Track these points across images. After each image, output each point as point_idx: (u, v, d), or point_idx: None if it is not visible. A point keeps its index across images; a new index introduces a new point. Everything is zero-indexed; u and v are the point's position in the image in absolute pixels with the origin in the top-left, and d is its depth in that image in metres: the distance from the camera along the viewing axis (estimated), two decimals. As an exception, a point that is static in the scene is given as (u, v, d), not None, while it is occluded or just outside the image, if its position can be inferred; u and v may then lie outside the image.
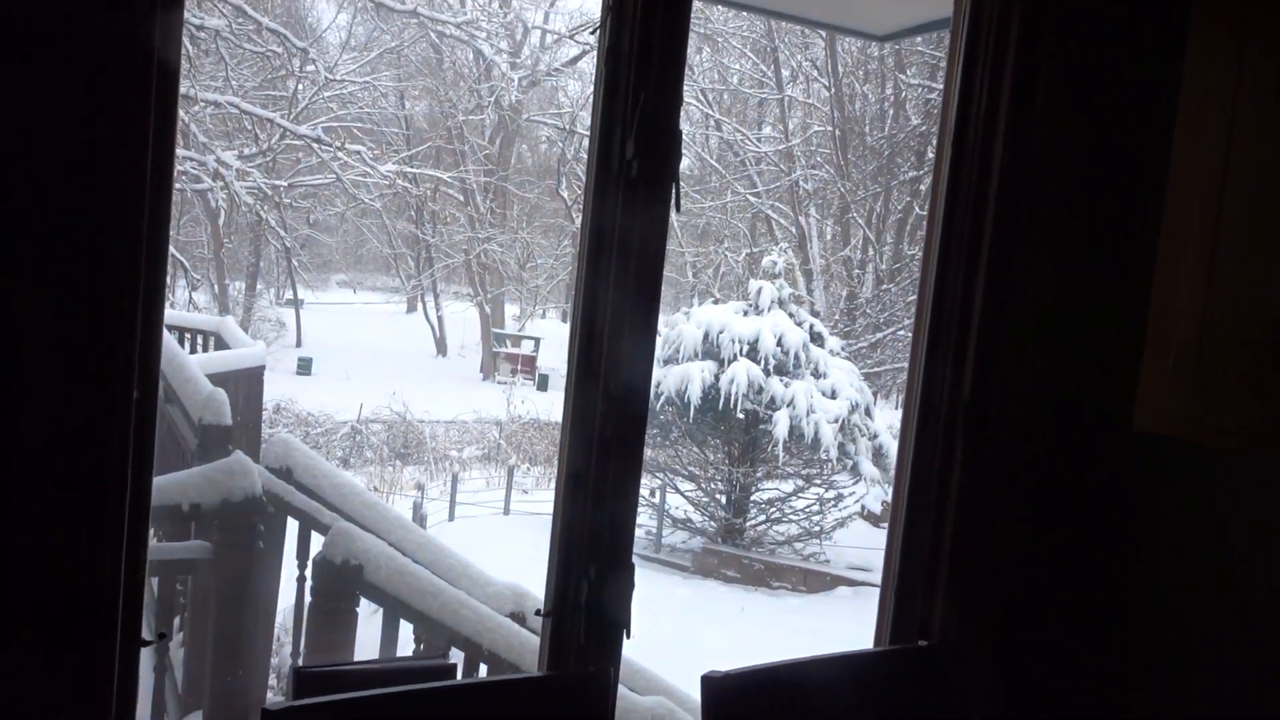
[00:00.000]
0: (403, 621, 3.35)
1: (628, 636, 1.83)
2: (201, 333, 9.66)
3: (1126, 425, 2.04)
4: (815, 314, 12.90)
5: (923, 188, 18.20)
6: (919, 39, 16.04)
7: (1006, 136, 2.09)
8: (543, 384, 21.87)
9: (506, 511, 12.38)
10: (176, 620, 3.95)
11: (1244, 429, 1.87)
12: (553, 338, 25.09)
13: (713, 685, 1.65)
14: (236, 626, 3.44)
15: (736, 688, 1.67)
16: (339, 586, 3.25)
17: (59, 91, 1.35)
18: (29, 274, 1.36)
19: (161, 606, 3.52)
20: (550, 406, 16.50)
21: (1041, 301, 2.16)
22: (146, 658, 3.23)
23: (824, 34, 17.92)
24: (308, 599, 3.47)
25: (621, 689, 3.19)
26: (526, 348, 24.04)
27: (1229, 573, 2.14)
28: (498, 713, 1.59)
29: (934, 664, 1.98)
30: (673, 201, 1.80)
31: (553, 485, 14.51)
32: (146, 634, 1.60)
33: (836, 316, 18.41)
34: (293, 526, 3.96)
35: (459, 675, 2.20)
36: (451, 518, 11.94)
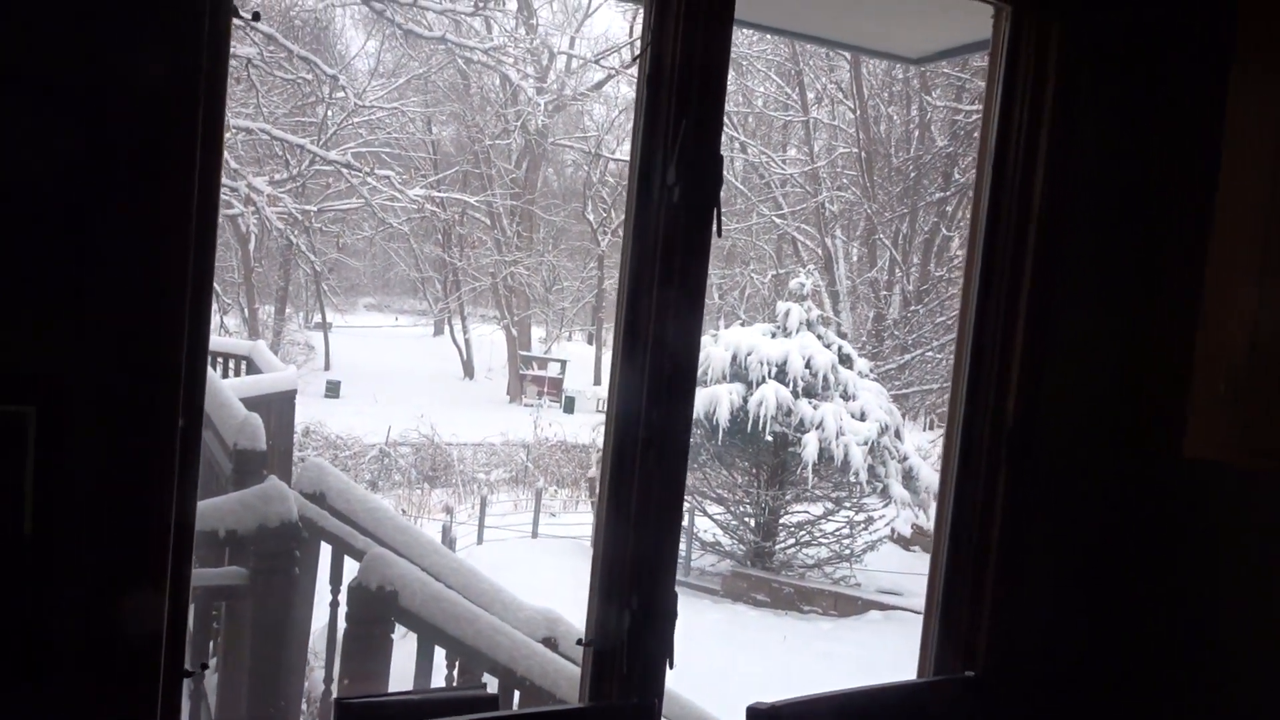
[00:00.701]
0: (436, 647, 3.34)
1: (671, 667, 1.81)
2: (234, 357, 9.75)
3: (1176, 452, 2.00)
4: (842, 335, 12.83)
5: (949, 209, 18.13)
6: (944, 61, 15.99)
7: (1048, 160, 2.07)
8: (569, 406, 21.88)
9: (535, 534, 12.36)
10: (210, 645, 3.95)
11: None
12: (579, 360, 25.16)
13: (759, 718, 1.63)
14: (272, 653, 3.43)
15: (782, 719, 1.65)
16: (374, 612, 3.24)
17: (108, 130, 1.36)
18: (77, 303, 1.37)
19: (198, 632, 3.53)
20: (577, 429, 16.50)
21: (1087, 327, 2.14)
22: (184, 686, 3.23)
23: (848, 57, 17.96)
24: (342, 625, 3.47)
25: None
26: (553, 370, 24.10)
27: (1285, 602, 2.09)
28: (542, 745, 1.57)
29: (981, 694, 1.94)
30: (714, 226, 1.79)
31: (580, 508, 14.48)
32: (187, 664, 1.59)
33: (864, 338, 18.32)
34: (325, 551, 3.97)
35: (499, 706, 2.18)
36: (480, 541, 11.93)
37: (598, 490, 1.89)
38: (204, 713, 3.56)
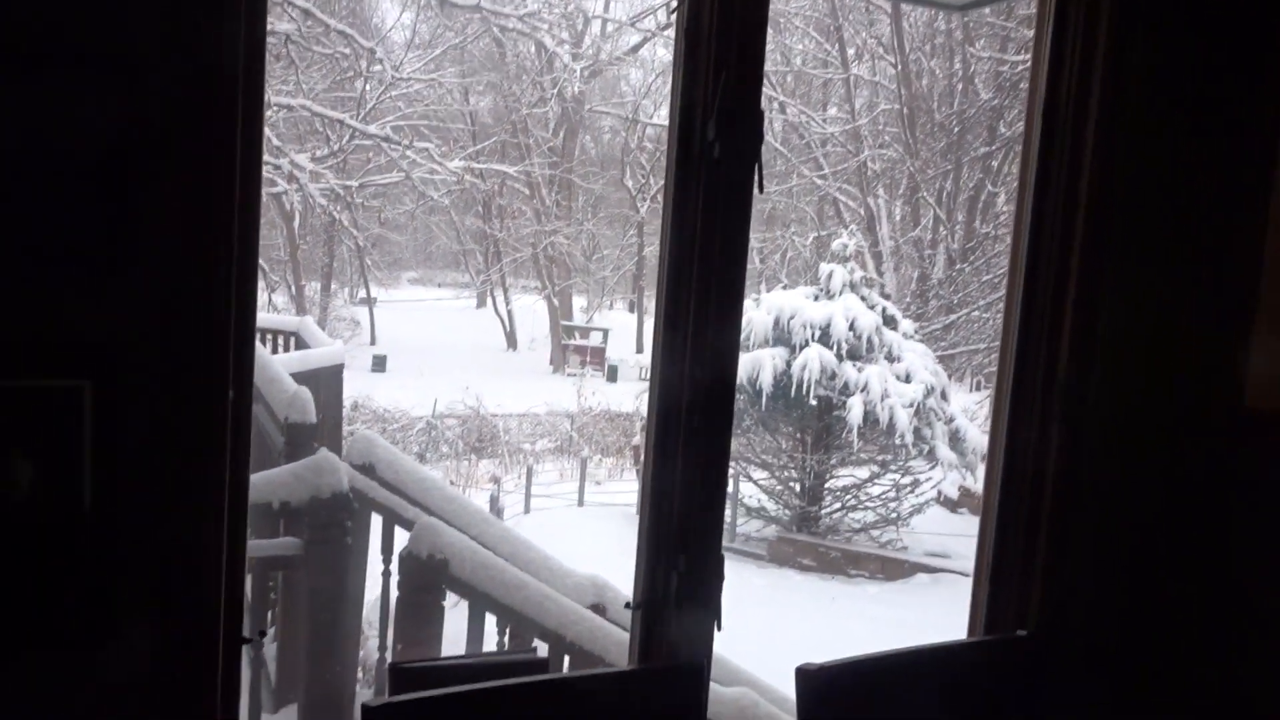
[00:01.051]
0: (487, 613, 3.38)
1: (718, 629, 1.81)
2: (282, 333, 9.91)
3: (1238, 402, 1.95)
4: (886, 296, 12.69)
5: (995, 164, 17.76)
6: (988, 9, 15.62)
7: (1101, 104, 1.99)
8: (612, 375, 21.95)
9: (581, 503, 12.47)
10: (269, 615, 4.05)
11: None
12: (621, 329, 25.19)
13: (808, 677, 1.62)
14: (327, 621, 3.51)
15: (831, 679, 1.64)
16: (425, 580, 3.29)
17: (149, 106, 1.36)
18: (126, 280, 1.38)
19: (255, 602, 3.61)
20: (620, 398, 16.57)
21: (1142, 276, 2.07)
22: (244, 652, 3.32)
23: (889, 10, 17.59)
24: (394, 593, 3.52)
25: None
26: (595, 339, 24.17)
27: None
28: (593, 705, 1.58)
29: (1033, 654, 1.92)
30: (756, 182, 1.76)
31: (625, 476, 14.57)
32: (246, 631, 1.62)
33: (908, 299, 18.10)
34: (376, 521, 4.03)
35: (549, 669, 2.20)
36: (527, 510, 12.07)
37: (643, 456, 1.89)
38: (264, 680, 3.65)
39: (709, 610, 1.80)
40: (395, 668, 1.70)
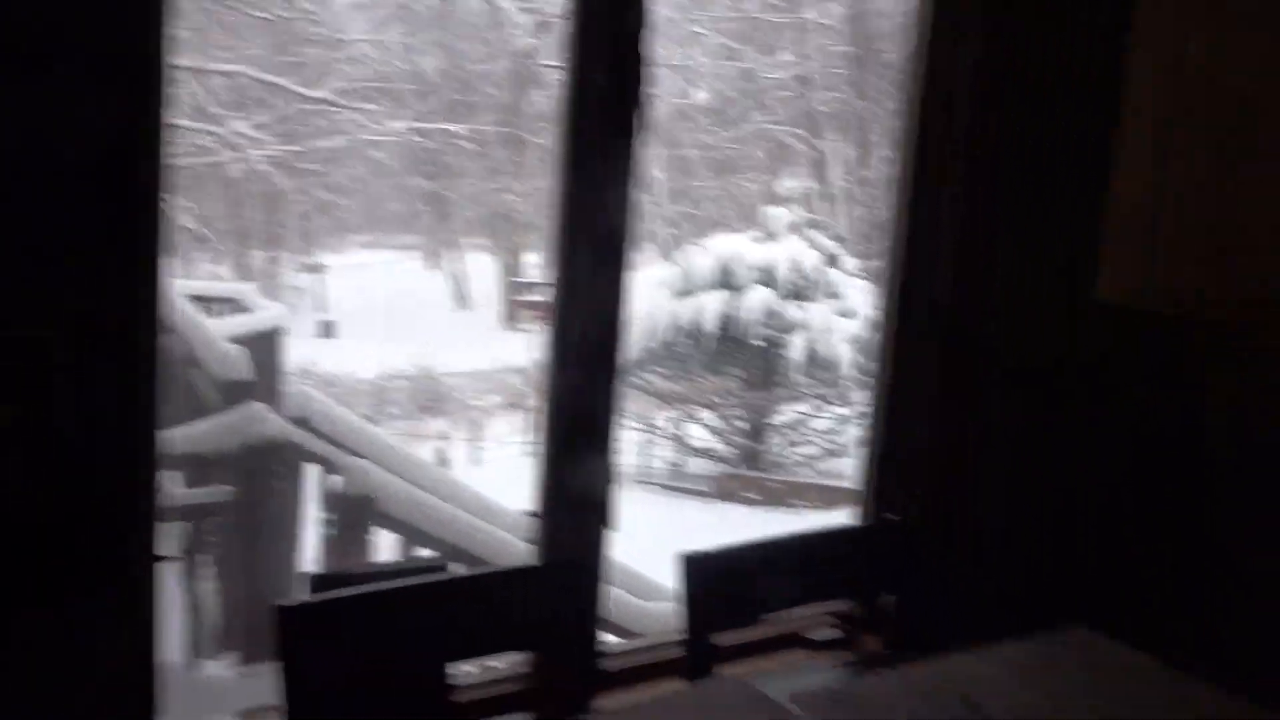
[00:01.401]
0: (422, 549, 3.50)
1: (611, 528, 1.95)
2: (222, 300, 9.84)
3: (1093, 298, 2.09)
4: (838, 238, 12.85)
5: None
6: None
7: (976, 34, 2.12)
8: (566, 329, 21.94)
9: (531, 453, 12.57)
10: (210, 560, 4.10)
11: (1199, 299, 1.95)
12: (574, 283, 25.10)
13: (691, 564, 1.75)
14: (263, 567, 3.60)
15: (712, 564, 1.77)
16: (353, 517, 3.39)
17: (56, 79, 1.39)
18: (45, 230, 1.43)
19: (193, 548, 3.67)
20: (573, 350, 16.60)
21: (1011, 191, 2.20)
22: (179, 596, 3.41)
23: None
24: (328, 534, 3.62)
25: (628, 597, 3.34)
26: (546, 294, 24.10)
27: (1207, 444, 2.22)
28: (488, 600, 1.68)
29: (902, 537, 2.08)
30: (641, 123, 1.88)
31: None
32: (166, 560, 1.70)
33: (860, 237, 18.30)
34: (314, 473, 4.09)
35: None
36: (477, 462, 12.17)
37: (541, 382, 2.02)
38: (204, 627, 3.72)
39: (600, 513, 1.95)
40: (315, 576, 1.82)
